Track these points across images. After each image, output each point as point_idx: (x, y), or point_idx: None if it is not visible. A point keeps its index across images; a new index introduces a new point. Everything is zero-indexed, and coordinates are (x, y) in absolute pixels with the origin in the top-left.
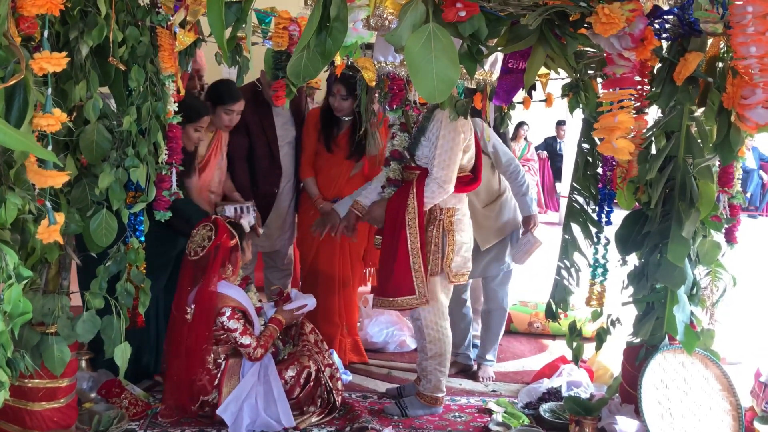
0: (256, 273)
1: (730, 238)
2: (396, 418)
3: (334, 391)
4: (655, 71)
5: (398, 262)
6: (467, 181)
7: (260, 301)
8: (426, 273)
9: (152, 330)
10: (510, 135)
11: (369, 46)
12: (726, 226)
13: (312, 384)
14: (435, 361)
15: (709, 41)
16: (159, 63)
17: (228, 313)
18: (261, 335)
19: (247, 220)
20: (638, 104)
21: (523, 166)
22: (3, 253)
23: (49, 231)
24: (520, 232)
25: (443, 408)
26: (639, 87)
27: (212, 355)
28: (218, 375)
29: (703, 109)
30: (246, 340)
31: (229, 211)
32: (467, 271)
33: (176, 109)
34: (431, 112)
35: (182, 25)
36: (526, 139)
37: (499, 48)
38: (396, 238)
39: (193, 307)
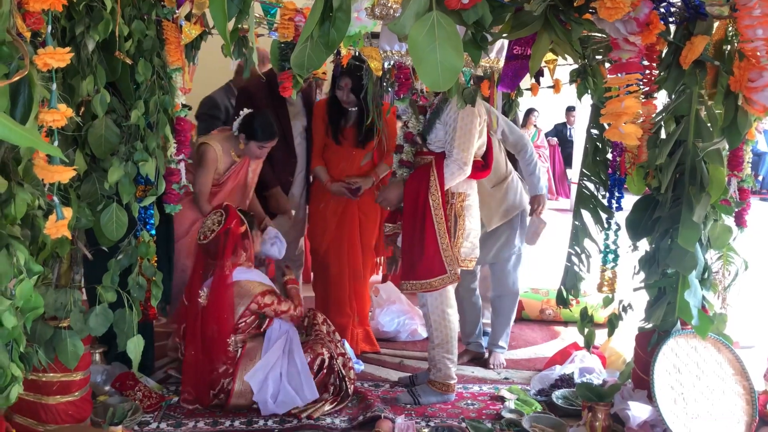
0: (269, 263)
1: (740, 222)
2: (409, 406)
3: (346, 379)
4: (663, 55)
5: (427, 244)
6: (479, 167)
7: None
8: (453, 251)
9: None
10: (520, 122)
11: (375, 35)
12: (736, 209)
13: (325, 371)
14: (442, 348)
15: (716, 24)
16: (165, 56)
17: (260, 291)
18: (290, 297)
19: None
20: (646, 89)
21: None
22: (14, 249)
23: (57, 226)
24: (527, 214)
25: (456, 395)
26: (647, 71)
27: (232, 345)
28: (235, 362)
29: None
30: (284, 306)
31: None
32: (475, 257)
33: (184, 102)
34: (447, 99)
35: (188, 17)
36: (536, 125)
37: (504, 35)
38: (421, 220)
39: (205, 290)
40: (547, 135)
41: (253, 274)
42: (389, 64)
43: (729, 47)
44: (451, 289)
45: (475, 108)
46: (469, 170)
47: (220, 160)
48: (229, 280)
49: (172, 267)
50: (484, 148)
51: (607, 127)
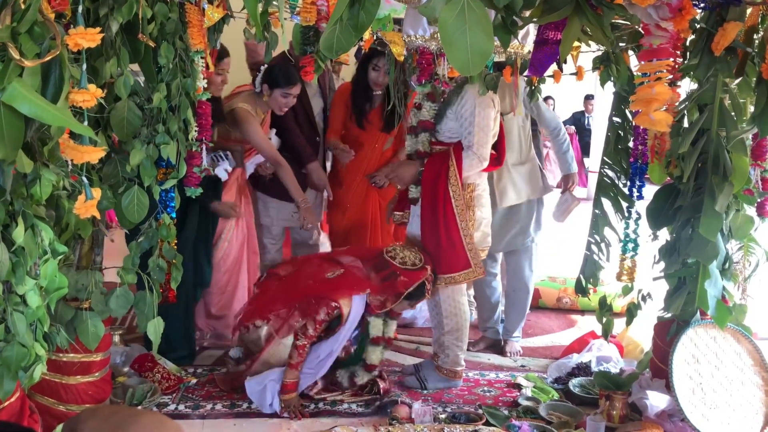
0: (284, 248)
1: (763, 212)
2: (421, 391)
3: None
4: (687, 43)
5: (452, 237)
6: (492, 160)
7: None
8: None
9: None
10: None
11: (397, 21)
12: (758, 199)
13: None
14: (452, 336)
15: (748, 11)
16: (188, 39)
17: (331, 306)
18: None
19: (224, 167)
20: (670, 77)
21: None
22: (39, 229)
23: (86, 206)
24: (543, 206)
25: (473, 382)
26: (672, 59)
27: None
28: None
29: (737, 81)
30: (308, 329)
31: (206, 161)
32: (487, 246)
33: (205, 85)
34: (460, 86)
35: (210, 1)
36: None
37: (534, 19)
38: (442, 212)
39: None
40: (565, 123)
41: (358, 304)
42: (412, 49)
43: (761, 34)
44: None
45: (489, 99)
46: (486, 165)
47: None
48: (360, 292)
49: (210, 249)
50: (496, 138)
51: (630, 115)
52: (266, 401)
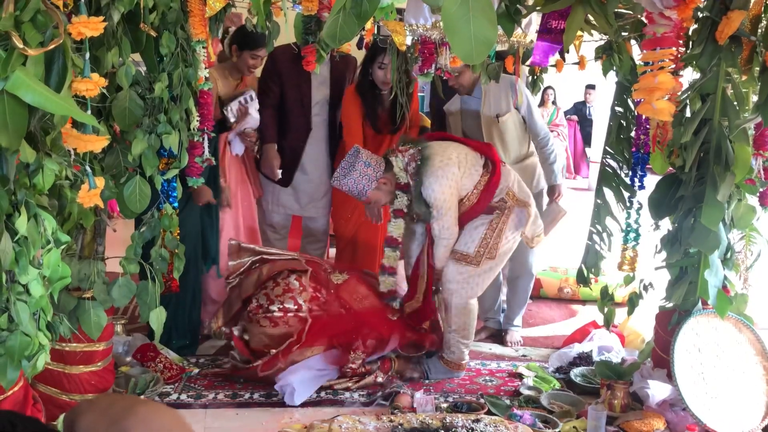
0: (290, 240)
1: (764, 202)
2: (423, 381)
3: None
4: (690, 32)
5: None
6: (489, 176)
7: None
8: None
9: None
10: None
11: (400, 11)
12: (761, 189)
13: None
14: (458, 334)
15: None
16: (189, 29)
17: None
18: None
19: (256, 107)
20: (673, 66)
21: (552, 131)
22: (41, 219)
23: (90, 195)
24: (545, 202)
25: (474, 372)
26: (675, 48)
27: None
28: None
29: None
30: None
31: (235, 106)
32: (541, 229)
33: (207, 75)
34: (420, 177)
35: None
36: (554, 103)
37: (538, 8)
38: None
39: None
40: (566, 113)
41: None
42: (414, 39)
43: (766, 23)
44: (481, 283)
45: (447, 165)
46: (456, 230)
47: (220, 83)
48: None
49: (216, 222)
50: (483, 161)
51: (632, 104)
52: (284, 384)
